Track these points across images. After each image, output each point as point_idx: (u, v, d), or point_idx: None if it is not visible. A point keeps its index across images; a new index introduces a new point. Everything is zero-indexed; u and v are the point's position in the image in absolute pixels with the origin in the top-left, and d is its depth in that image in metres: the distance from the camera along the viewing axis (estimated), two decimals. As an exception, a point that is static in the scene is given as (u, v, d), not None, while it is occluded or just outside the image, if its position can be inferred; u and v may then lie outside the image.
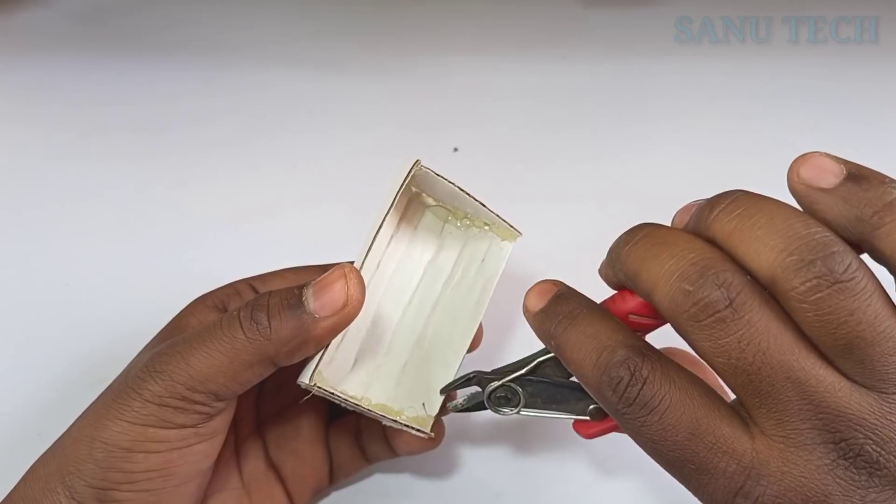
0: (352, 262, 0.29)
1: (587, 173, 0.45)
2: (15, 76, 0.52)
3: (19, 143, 0.48)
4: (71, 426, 0.27)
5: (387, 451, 0.33)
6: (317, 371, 0.27)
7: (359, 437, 0.33)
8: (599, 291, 0.40)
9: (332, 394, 0.28)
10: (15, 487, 0.27)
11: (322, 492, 0.33)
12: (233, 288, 0.32)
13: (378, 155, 0.46)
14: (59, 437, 0.27)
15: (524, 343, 0.35)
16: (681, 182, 0.45)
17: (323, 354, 0.28)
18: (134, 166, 0.47)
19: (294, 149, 0.47)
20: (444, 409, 0.30)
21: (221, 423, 0.27)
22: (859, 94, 0.48)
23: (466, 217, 0.32)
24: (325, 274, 0.27)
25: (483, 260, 0.32)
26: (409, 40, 0.53)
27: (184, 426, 0.26)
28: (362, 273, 0.28)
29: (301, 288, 0.27)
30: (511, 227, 0.31)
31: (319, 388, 0.27)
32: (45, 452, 0.27)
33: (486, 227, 0.32)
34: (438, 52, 0.51)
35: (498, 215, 0.31)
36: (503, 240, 0.32)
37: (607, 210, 0.44)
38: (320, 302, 0.26)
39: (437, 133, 0.47)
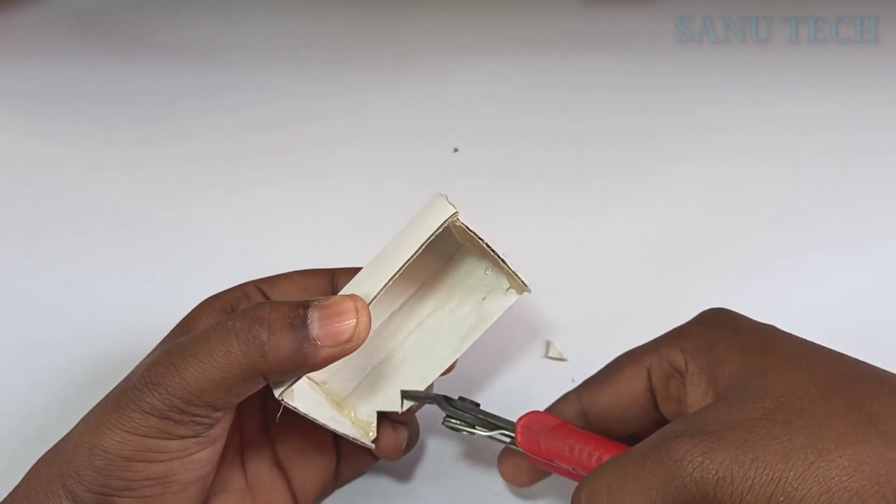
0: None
1: (587, 173, 0.45)
2: (15, 76, 0.51)
3: (19, 144, 0.48)
4: (73, 428, 0.27)
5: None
6: (289, 389, 0.27)
7: None
8: (599, 289, 0.40)
9: (296, 409, 0.27)
10: (17, 486, 0.27)
11: (327, 492, 0.33)
12: (241, 290, 0.31)
13: (378, 155, 0.46)
14: (62, 439, 0.27)
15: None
16: (680, 182, 0.45)
17: None
18: (134, 166, 0.47)
19: (294, 149, 0.47)
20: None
21: (221, 430, 0.27)
22: (859, 94, 0.48)
23: (485, 253, 0.30)
24: (334, 300, 0.26)
25: (484, 299, 0.31)
26: (409, 40, 0.52)
27: (184, 437, 0.26)
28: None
29: (306, 308, 0.26)
30: (524, 283, 0.30)
31: (285, 402, 0.27)
32: (47, 452, 0.27)
33: (498, 272, 0.31)
34: (438, 53, 0.51)
35: (515, 272, 0.30)
36: (509, 288, 0.31)
37: (607, 210, 0.44)
38: (325, 331, 0.26)
39: (437, 133, 0.47)
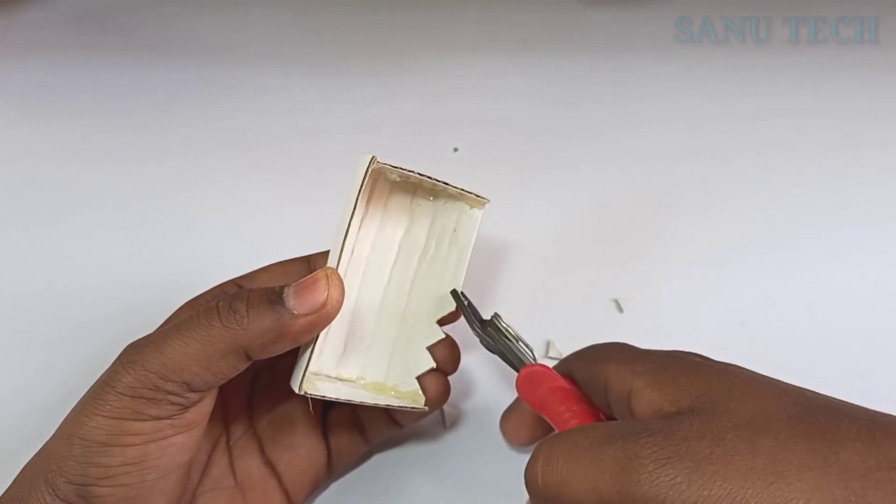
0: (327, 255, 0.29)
1: (587, 173, 0.46)
2: (15, 76, 0.51)
3: (19, 144, 0.48)
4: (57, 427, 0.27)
5: (388, 424, 0.33)
6: (306, 378, 0.28)
7: (356, 418, 0.33)
8: (600, 289, 0.40)
9: (324, 397, 0.28)
10: (6, 489, 0.27)
11: (320, 485, 0.33)
12: (220, 289, 0.32)
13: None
14: (47, 439, 0.27)
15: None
16: (681, 182, 0.45)
17: (310, 360, 0.28)
18: (134, 166, 0.47)
19: (294, 149, 0.47)
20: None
21: (197, 416, 0.27)
22: (859, 94, 0.48)
23: (433, 189, 0.32)
24: (308, 276, 0.28)
25: (455, 230, 0.32)
26: (408, 40, 0.52)
27: (158, 417, 0.26)
28: (339, 270, 0.28)
29: (283, 286, 0.27)
30: (478, 196, 0.31)
31: (309, 394, 0.28)
32: (35, 454, 0.27)
33: (454, 198, 0.32)
34: (438, 52, 0.51)
35: (462, 189, 0.31)
36: (472, 208, 0.32)
37: (607, 210, 0.44)
38: (300, 300, 0.27)
39: (437, 133, 0.47)
